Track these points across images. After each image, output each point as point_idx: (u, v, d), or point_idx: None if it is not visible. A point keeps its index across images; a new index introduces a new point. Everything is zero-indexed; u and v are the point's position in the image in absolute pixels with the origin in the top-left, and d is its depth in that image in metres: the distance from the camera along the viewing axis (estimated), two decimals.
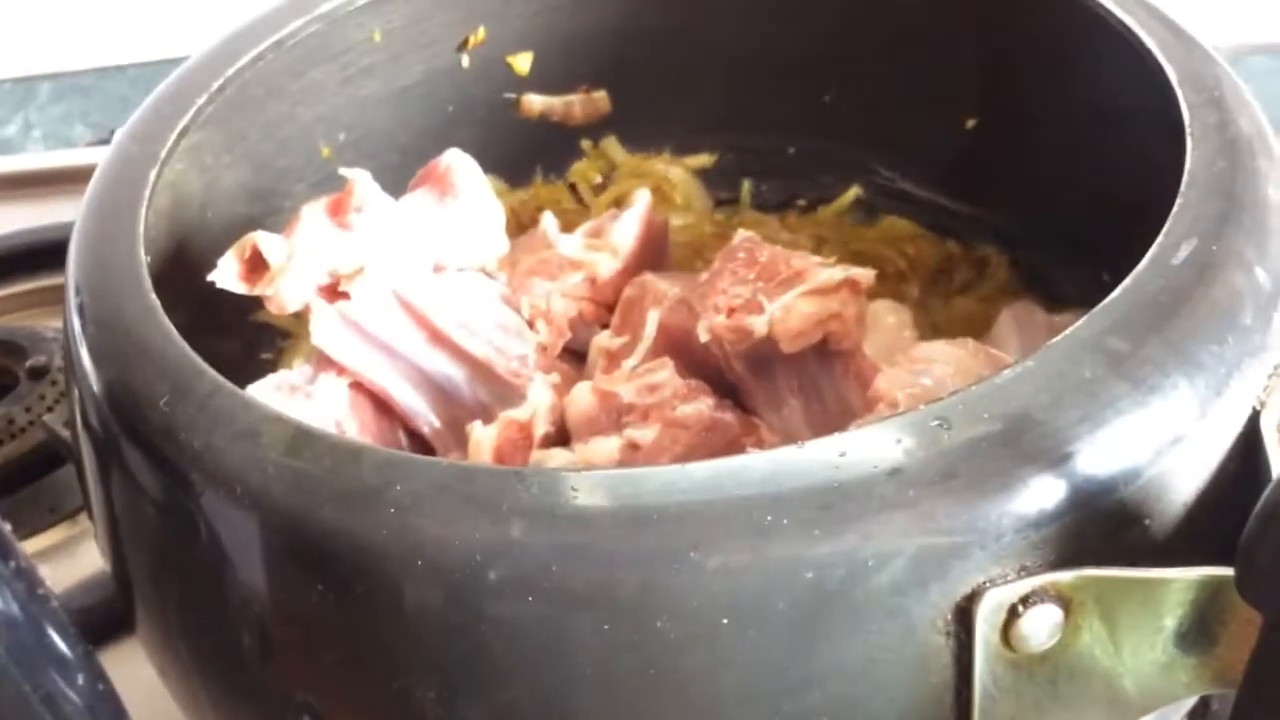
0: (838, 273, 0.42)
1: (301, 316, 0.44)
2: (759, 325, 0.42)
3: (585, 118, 0.58)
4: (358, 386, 0.43)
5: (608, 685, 0.29)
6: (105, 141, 0.88)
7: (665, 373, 0.43)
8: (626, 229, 0.49)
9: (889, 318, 0.48)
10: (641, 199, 0.51)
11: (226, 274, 0.41)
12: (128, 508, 0.36)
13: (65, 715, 0.32)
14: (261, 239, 0.41)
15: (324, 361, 0.43)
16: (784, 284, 0.43)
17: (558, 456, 0.42)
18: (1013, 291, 0.51)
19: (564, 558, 0.28)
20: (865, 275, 0.42)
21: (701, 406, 0.42)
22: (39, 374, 0.63)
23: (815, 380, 0.44)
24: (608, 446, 0.41)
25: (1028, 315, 0.47)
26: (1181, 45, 0.40)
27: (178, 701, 0.39)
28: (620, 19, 0.56)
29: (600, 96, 0.58)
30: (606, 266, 0.48)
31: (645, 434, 0.41)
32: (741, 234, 0.46)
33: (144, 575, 0.37)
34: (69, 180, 0.78)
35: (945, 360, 0.39)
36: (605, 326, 0.48)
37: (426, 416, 0.44)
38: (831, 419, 0.43)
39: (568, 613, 0.29)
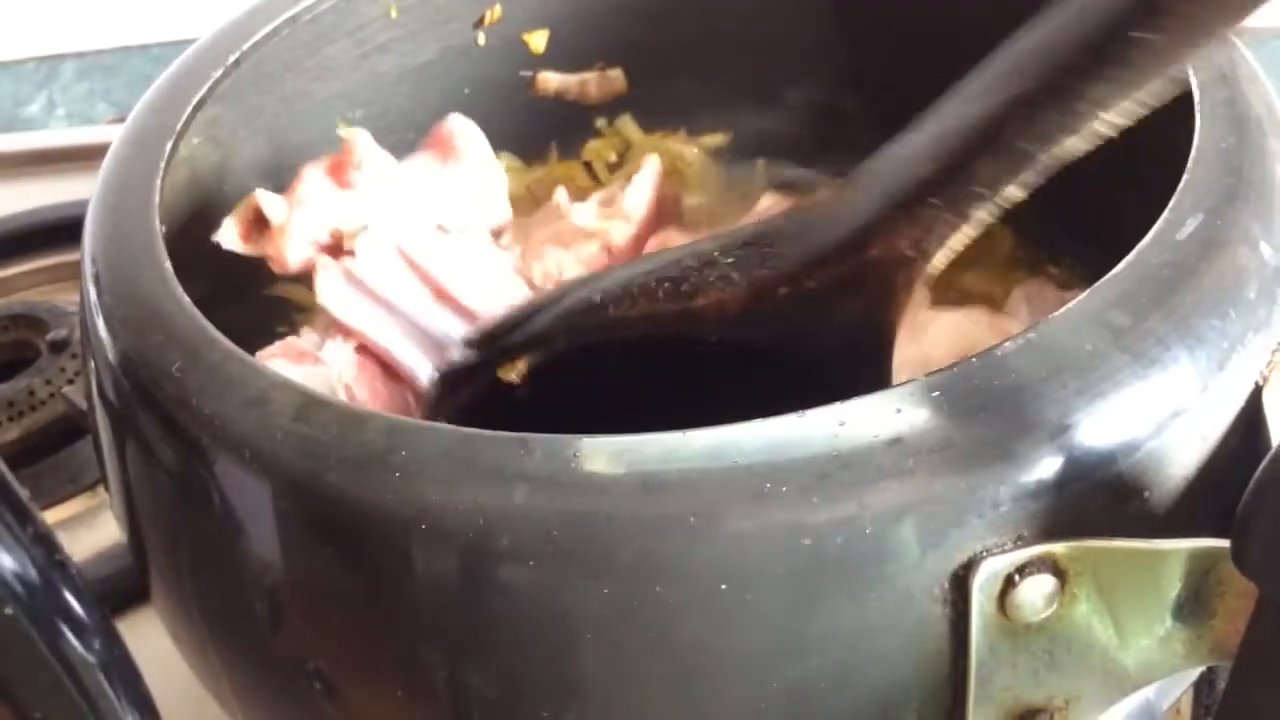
0: None
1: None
2: None
3: (601, 96, 0.58)
4: (364, 350, 0.43)
5: (608, 649, 0.30)
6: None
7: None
8: (639, 195, 0.50)
9: None
10: (650, 164, 0.51)
11: (229, 235, 0.42)
12: (141, 475, 0.36)
13: (81, 677, 0.32)
14: (262, 197, 0.42)
15: (332, 327, 0.43)
16: None
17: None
18: (1018, 266, 0.51)
19: (566, 523, 0.29)
20: None
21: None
22: (59, 347, 0.64)
23: None
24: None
25: (1039, 294, 0.47)
26: None
27: (192, 668, 0.39)
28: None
29: (616, 75, 0.58)
30: (621, 233, 0.49)
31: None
32: (766, 200, 0.46)
33: (158, 542, 0.38)
34: (92, 157, 0.76)
35: (953, 329, 0.40)
36: None
37: (430, 374, 0.44)
38: None
39: (569, 577, 0.29)
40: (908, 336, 0.41)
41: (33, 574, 0.32)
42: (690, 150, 0.58)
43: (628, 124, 0.58)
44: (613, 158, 0.59)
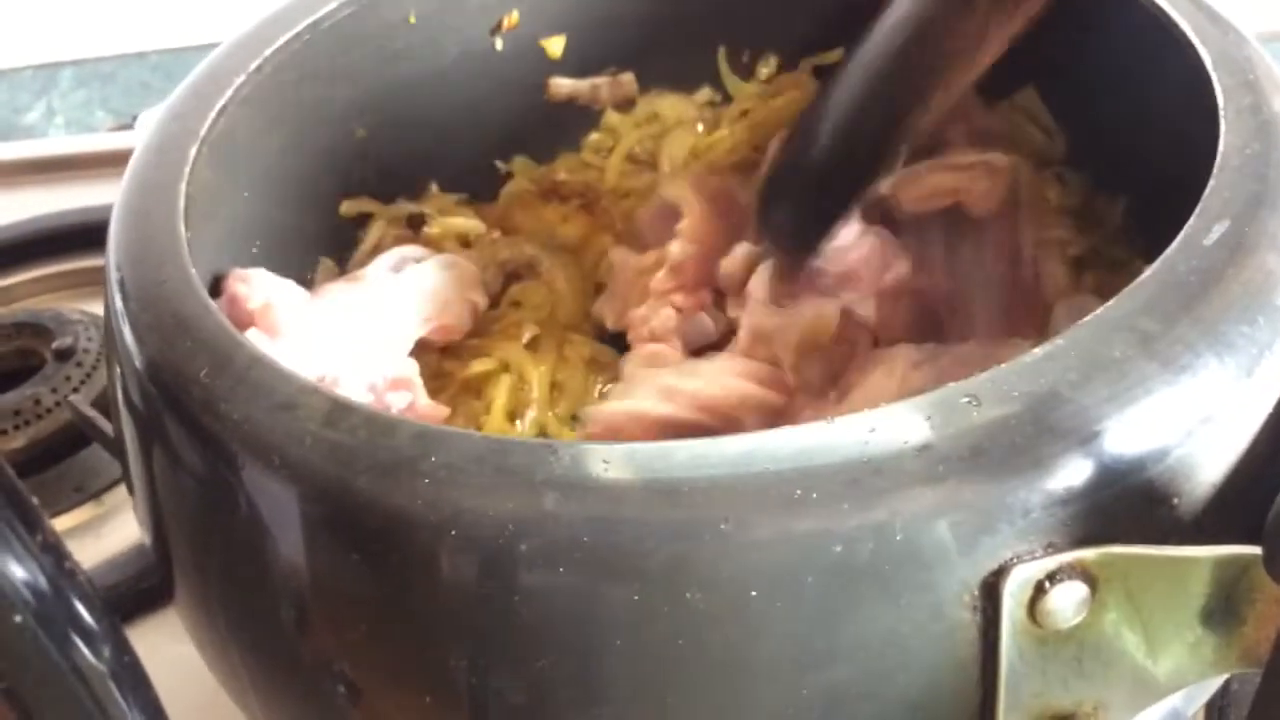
0: (972, 154, 0.46)
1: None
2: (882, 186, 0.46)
3: (613, 100, 0.58)
4: None
5: (637, 656, 0.30)
6: (126, 127, 0.89)
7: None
8: (673, 207, 0.50)
9: None
10: (672, 182, 0.51)
11: None
12: (168, 480, 0.36)
13: (91, 684, 0.32)
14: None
15: None
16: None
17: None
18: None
19: (595, 529, 0.29)
20: (1001, 160, 0.45)
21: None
22: (65, 355, 0.64)
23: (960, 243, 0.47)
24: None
25: (1082, 308, 0.47)
26: (1216, 28, 0.40)
27: (215, 673, 0.39)
28: (654, 4, 0.56)
29: (628, 79, 0.58)
30: (678, 249, 0.49)
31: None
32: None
33: (184, 547, 0.38)
34: (91, 165, 0.78)
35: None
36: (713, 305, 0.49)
37: None
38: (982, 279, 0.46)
39: (599, 584, 0.29)
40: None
41: (42, 582, 0.32)
42: (666, 101, 0.58)
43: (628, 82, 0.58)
44: (610, 143, 0.58)
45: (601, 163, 0.58)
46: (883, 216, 0.47)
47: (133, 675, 0.34)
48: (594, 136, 0.58)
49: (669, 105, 0.58)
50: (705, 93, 0.58)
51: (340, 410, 0.32)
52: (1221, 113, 0.37)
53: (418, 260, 0.50)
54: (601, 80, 0.58)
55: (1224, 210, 0.34)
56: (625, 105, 0.58)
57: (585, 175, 0.57)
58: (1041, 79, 0.49)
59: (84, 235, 0.71)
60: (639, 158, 0.58)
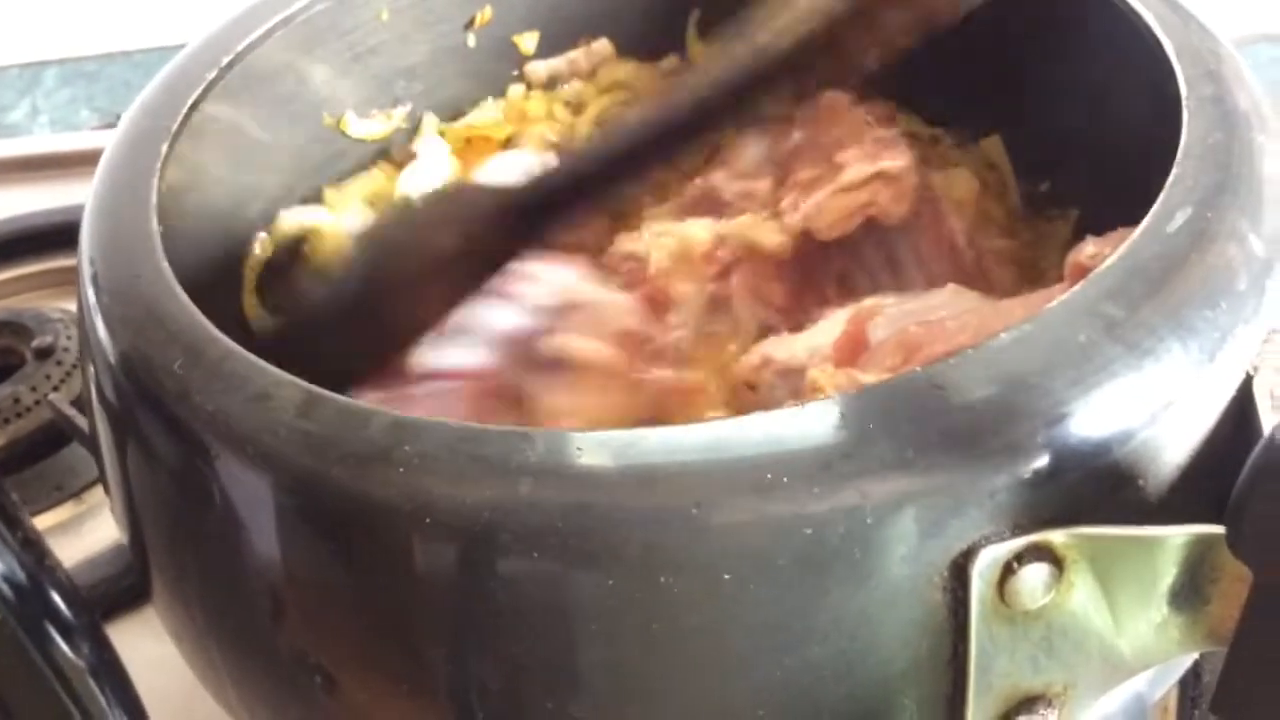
0: (866, 167, 0.46)
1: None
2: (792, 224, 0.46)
3: (592, 67, 0.58)
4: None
5: (613, 641, 0.30)
6: (111, 126, 0.89)
7: None
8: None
9: None
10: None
11: None
12: (143, 474, 0.36)
13: (71, 681, 0.32)
14: None
15: None
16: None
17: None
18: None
19: (569, 516, 0.29)
20: (895, 167, 0.45)
21: None
22: (45, 354, 0.63)
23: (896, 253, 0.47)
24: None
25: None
26: (1178, 19, 0.40)
27: (192, 666, 0.39)
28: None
29: (601, 44, 0.57)
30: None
31: None
32: None
33: (160, 541, 0.38)
34: (75, 164, 0.78)
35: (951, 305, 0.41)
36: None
37: None
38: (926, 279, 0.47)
39: (573, 570, 0.29)
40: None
41: (22, 579, 0.32)
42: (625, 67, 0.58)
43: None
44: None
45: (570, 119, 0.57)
46: (805, 244, 0.48)
47: (112, 672, 0.34)
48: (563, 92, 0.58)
49: (630, 72, 0.58)
50: (670, 61, 0.58)
51: (314, 401, 0.32)
52: (1184, 102, 0.37)
53: None
54: (576, 53, 0.57)
55: (1187, 198, 0.34)
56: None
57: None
58: (999, 74, 0.50)
59: (66, 234, 0.69)
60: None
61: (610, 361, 0.44)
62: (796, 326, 0.46)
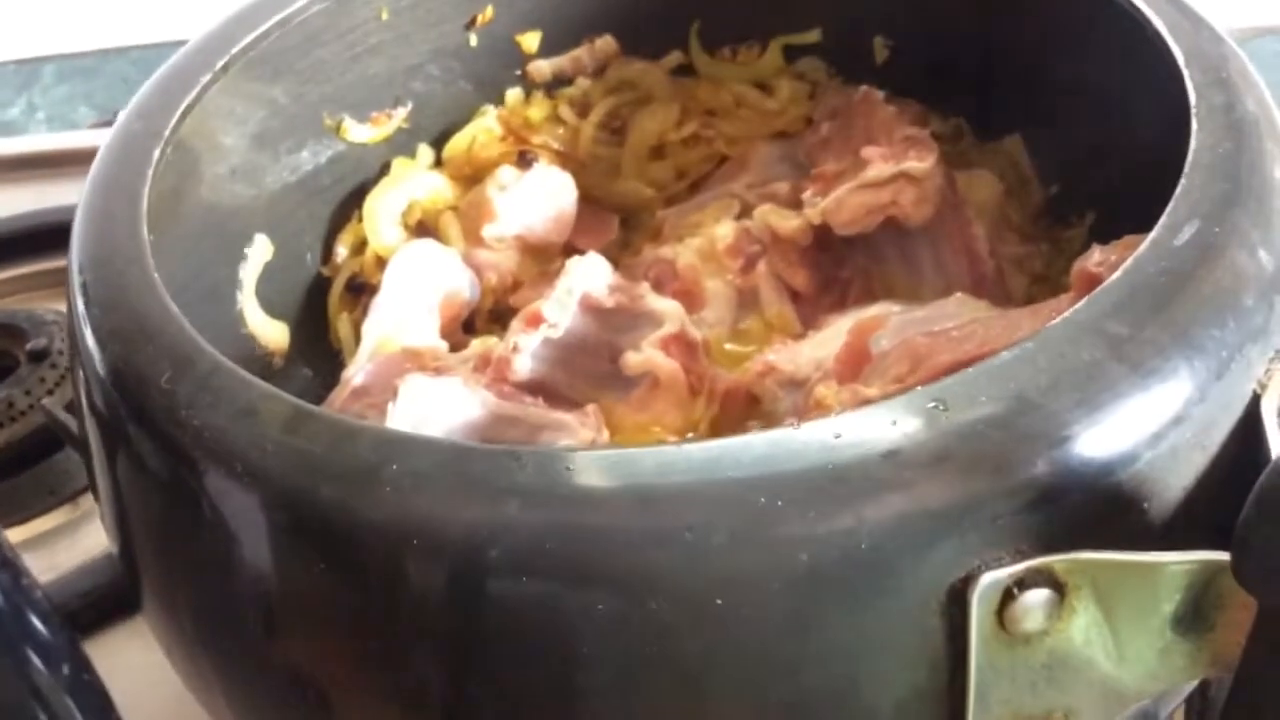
0: (890, 166, 0.46)
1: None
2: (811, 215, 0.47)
3: (596, 64, 0.57)
4: None
5: (603, 663, 0.29)
6: (109, 123, 0.88)
7: None
8: None
9: None
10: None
11: None
12: (132, 486, 0.36)
13: (49, 702, 0.32)
14: None
15: None
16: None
17: None
18: None
19: (560, 537, 0.28)
20: (919, 168, 0.46)
21: None
22: (39, 357, 0.62)
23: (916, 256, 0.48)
24: None
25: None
26: (1189, 24, 0.39)
27: (183, 678, 0.39)
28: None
29: (605, 41, 0.57)
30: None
31: None
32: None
33: (149, 554, 0.37)
34: (73, 162, 0.78)
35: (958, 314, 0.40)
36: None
37: None
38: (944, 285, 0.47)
39: (564, 591, 0.29)
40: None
41: None
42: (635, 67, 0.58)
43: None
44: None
45: (575, 121, 0.57)
46: (821, 241, 0.48)
47: (91, 693, 0.33)
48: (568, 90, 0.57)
49: (638, 72, 0.57)
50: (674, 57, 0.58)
51: (301, 416, 0.31)
52: (1193, 111, 0.37)
53: None
54: (580, 50, 0.57)
55: (1194, 210, 0.33)
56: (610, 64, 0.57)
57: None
58: (1006, 76, 0.49)
59: (61, 234, 0.68)
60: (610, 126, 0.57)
61: (679, 371, 0.44)
62: (813, 323, 0.47)
